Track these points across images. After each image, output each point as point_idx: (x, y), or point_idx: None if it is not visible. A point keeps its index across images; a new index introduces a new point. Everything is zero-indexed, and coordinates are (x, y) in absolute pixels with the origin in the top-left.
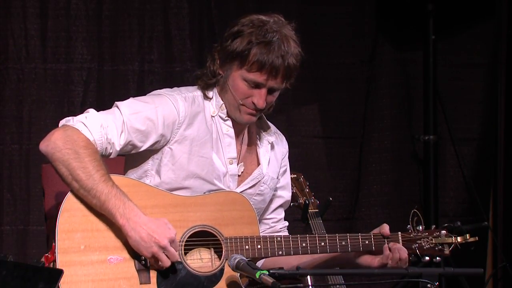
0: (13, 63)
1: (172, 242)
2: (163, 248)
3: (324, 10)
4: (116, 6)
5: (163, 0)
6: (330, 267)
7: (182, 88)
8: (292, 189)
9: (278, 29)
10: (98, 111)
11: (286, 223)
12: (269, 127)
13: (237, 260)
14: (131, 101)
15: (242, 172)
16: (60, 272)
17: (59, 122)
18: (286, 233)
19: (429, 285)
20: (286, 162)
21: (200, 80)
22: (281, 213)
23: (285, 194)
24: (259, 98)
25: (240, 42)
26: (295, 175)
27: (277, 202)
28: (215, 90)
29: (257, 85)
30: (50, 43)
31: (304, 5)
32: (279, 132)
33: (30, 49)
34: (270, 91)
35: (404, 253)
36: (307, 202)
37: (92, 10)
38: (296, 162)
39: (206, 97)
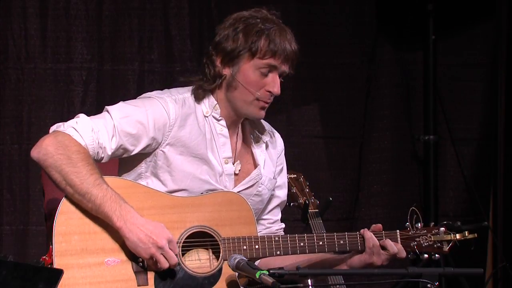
0: (13, 63)
1: (170, 242)
2: (161, 249)
3: (324, 10)
4: (116, 6)
5: (163, 0)
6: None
7: (173, 90)
8: (292, 189)
9: (270, 19)
10: (98, 111)
11: (283, 225)
12: (263, 126)
13: (237, 260)
14: (121, 105)
15: (239, 171)
16: (60, 272)
17: (51, 128)
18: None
19: (429, 285)
20: (282, 160)
21: (199, 88)
22: (277, 214)
23: (282, 194)
24: (274, 85)
25: (244, 36)
26: (295, 175)
27: (274, 203)
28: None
29: (270, 69)
30: (50, 43)
31: (304, 5)
32: (273, 130)
33: (30, 49)
34: (279, 76)
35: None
36: (307, 202)
37: (92, 10)
38: (296, 162)
39: (197, 98)
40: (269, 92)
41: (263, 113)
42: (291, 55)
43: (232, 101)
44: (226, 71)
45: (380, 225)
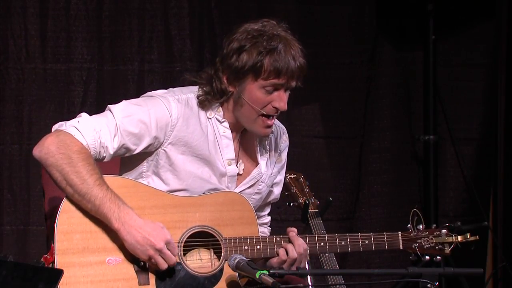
0: (13, 63)
1: (168, 243)
2: (159, 251)
3: (324, 10)
4: (116, 6)
5: (163, 0)
6: None
7: (176, 90)
8: (292, 189)
9: (277, 34)
10: (98, 111)
11: (267, 219)
12: None
13: (237, 260)
14: (123, 104)
15: (243, 170)
16: (60, 272)
17: (52, 127)
18: (266, 230)
19: (429, 285)
20: (284, 157)
21: (206, 100)
22: (266, 210)
23: (277, 191)
24: (280, 101)
25: (248, 56)
26: (295, 175)
27: (267, 199)
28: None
29: (276, 88)
30: (50, 43)
31: (304, 5)
32: (280, 125)
33: (30, 49)
34: (285, 90)
35: (296, 253)
36: (307, 202)
37: (92, 10)
38: (296, 162)
39: (201, 104)
40: (275, 108)
41: (269, 130)
42: (296, 72)
43: (239, 116)
44: (232, 89)
45: (294, 228)
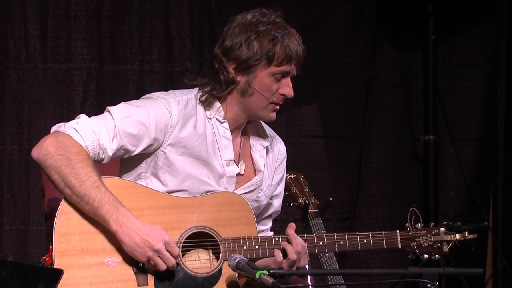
0: (13, 63)
1: (167, 244)
2: (158, 252)
3: (324, 10)
4: (116, 6)
5: (163, 0)
6: None
7: (177, 91)
8: (292, 189)
9: (279, 23)
10: (98, 111)
11: (270, 234)
12: (264, 131)
13: (237, 260)
14: (122, 105)
15: (244, 171)
16: (60, 272)
17: (51, 128)
18: None
19: (429, 285)
20: (282, 169)
21: (210, 97)
22: (267, 224)
23: (277, 203)
24: (287, 87)
25: (258, 45)
26: (295, 175)
27: (268, 212)
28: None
29: (283, 75)
30: (50, 43)
31: (304, 5)
32: (276, 136)
33: (30, 49)
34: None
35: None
36: (307, 202)
37: (92, 10)
38: (296, 162)
39: (203, 103)
40: (283, 95)
41: (275, 115)
42: (302, 58)
43: (247, 106)
44: (240, 78)
45: (293, 224)
